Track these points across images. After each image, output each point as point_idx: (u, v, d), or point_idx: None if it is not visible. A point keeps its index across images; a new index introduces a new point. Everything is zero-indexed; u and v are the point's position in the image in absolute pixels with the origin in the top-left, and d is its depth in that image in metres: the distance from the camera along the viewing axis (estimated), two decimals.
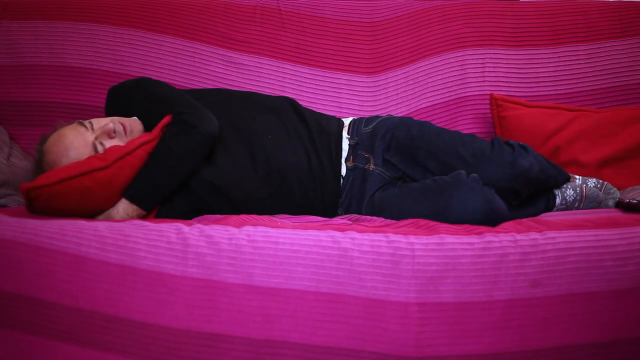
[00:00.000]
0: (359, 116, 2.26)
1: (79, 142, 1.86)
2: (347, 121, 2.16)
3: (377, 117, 2.16)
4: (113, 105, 2.02)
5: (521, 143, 2.02)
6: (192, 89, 2.17)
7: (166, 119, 1.89)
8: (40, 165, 1.90)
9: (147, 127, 1.94)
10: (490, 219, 1.75)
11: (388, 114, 2.32)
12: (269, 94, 2.35)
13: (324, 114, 2.20)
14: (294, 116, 2.11)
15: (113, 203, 1.80)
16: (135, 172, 1.81)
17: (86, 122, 1.89)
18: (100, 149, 1.85)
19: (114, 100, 2.02)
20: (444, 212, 1.79)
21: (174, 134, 1.86)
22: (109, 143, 1.86)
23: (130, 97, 1.99)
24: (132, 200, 1.81)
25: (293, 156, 2.02)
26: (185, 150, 1.87)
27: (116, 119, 1.91)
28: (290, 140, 2.04)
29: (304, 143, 2.05)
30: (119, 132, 1.88)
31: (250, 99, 2.15)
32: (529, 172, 1.95)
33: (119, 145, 1.83)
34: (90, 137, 1.87)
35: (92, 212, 1.78)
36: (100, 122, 1.89)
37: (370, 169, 2.04)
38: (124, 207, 1.81)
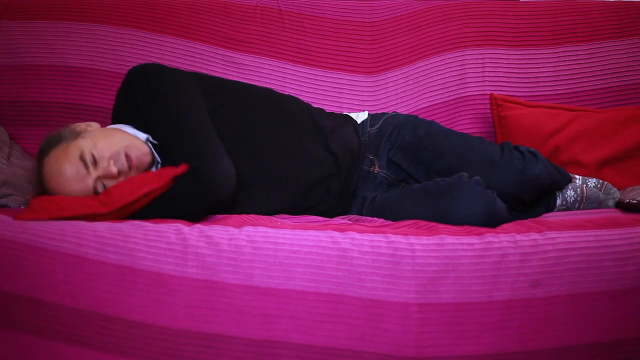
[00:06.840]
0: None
1: (78, 185, 1.79)
2: (360, 121, 2.10)
3: (383, 114, 2.12)
4: (126, 100, 1.91)
5: (531, 149, 1.99)
6: (217, 85, 2.01)
7: (180, 169, 1.76)
8: (40, 181, 1.85)
9: (152, 133, 1.89)
10: (491, 221, 1.74)
11: (393, 111, 2.31)
12: None
13: (346, 130, 2.06)
14: (318, 140, 2.00)
15: None
16: (136, 211, 1.75)
17: (87, 157, 1.79)
18: (101, 188, 1.80)
19: (125, 99, 1.91)
20: (445, 214, 1.77)
21: (186, 192, 1.76)
22: (111, 182, 1.80)
23: (149, 107, 1.87)
24: None
25: (310, 182, 1.95)
26: (194, 208, 1.77)
27: (122, 149, 1.82)
28: (310, 172, 1.95)
29: (323, 171, 1.97)
30: (123, 172, 1.81)
31: (269, 108, 2.02)
32: (538, 180, 1.94)
33: (123, 187, 1.74)
34: (90, 180, 1.80)
35: None
36: (103, 160, 1.80)
37: (375, 171, 2.02)
38: None
